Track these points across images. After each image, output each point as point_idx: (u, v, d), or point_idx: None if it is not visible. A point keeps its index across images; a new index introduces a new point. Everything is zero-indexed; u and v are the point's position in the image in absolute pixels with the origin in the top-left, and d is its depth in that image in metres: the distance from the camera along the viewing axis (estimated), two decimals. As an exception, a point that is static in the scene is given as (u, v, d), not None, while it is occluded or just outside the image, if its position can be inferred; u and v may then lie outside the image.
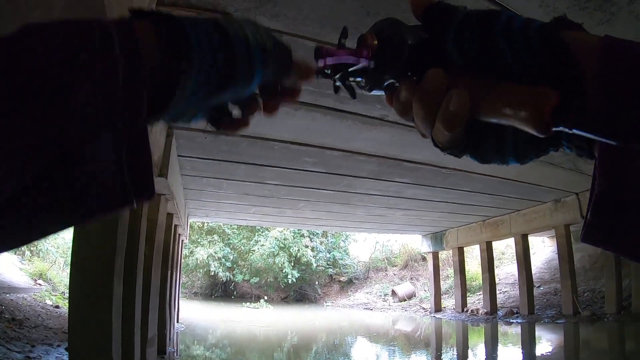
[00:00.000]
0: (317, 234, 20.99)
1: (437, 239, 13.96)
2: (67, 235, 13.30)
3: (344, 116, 3.70)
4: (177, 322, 10.40)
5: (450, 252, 14.62)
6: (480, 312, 11.93)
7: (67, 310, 8.05)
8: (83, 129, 0.36)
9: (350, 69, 0.48)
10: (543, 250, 16.41)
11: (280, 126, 3.93)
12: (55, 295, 9.50)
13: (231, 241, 20.10)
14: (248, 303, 17.77)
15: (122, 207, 0.41)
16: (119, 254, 3.37)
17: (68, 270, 11.55)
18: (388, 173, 6.24)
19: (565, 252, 9.69)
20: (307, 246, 19.93)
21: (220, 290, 20.69)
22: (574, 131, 0.38)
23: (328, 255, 21.19)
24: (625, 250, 0.41)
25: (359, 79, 0.49)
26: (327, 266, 21.11)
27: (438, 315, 13.27)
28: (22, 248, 11.91)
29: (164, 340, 6.75)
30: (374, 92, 0.49)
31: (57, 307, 8.49)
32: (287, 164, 5.56)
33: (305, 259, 19.53)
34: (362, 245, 22.49)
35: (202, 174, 6.53)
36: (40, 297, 8.79)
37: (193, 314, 13.33)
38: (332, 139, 4.31)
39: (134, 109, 0.38)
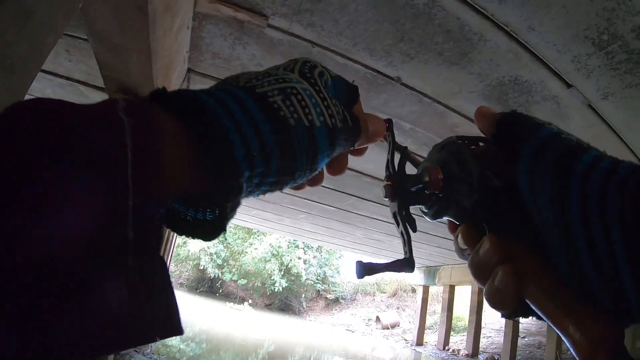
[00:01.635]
0: (312, 247, 20.89)
1: (430, 273, 13.84)
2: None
3: (361, 136, 3.69)
4: (158, 310, 10.37)
5: (442, 288, 14.50)
6: (461, 352, 11.77)
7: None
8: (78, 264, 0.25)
9: (413, 201, 0.47)
10: (535, 303, 16.23)
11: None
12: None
13: (226, 239, 20.02)
14: (232, 303, 17.73)
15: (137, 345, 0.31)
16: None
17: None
18: (394, 200, 6.20)
19: (556, 308, 9.56)
20: (299, 258, 19.84)
21: (207, 286, 20.60)
22: None
23: (319, 271, 21.06)
24: None
25: (420, 206, 0.48)
26: (316, 281, 20.97)
27: (419, 349, 13.10)
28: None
29: (142, 326, 6.73)
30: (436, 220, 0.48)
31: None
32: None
33: (295, 270, 19.42)
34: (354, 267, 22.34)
35: (211, 168, 6.54)
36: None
37: (175, 305, 13.27)
38: (345, 156, 4.30)
39: (147, 231, 0.28)
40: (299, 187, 0.45)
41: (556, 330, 0.34)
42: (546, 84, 2.57)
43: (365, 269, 0.47)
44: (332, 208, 7.36)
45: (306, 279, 20.22)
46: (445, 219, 0.47)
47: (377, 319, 17.65)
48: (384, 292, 20.89)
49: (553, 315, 0.34)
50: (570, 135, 0.37)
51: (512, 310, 0.37)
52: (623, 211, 0.30)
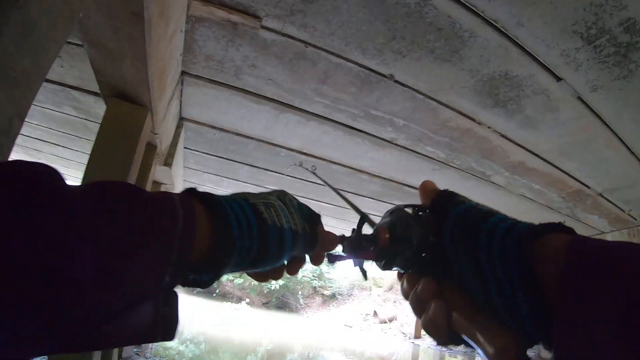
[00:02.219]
0: (307, 244, 20.90)
1: (426, 266, 13.92)
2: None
3: (355, 134, 3.71)
4: (157, 312, 10.33)
5: (438, 281, 14.58)
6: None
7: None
8: (134, 294, 0.41)
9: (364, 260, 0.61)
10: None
11: (291, 134, 3.95)
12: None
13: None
14: (229, 302, 17.70)
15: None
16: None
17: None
18: (389, 195, 6.24)
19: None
20: (295, 255, 19.83)
21: (203, 287, 20.47)
22: None
23: (314, 267, 21.07)
24: None
25: (372, 262, 0.61)
26: (313, 278, 21.01)
27: (417, 342, 13.20)
28: None
29: (141, 329, 6.71)
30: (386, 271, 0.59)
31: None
32: (290, 172, 5.58)
33: (291, 268, 19.42)
34: (350, 262, 22.32)
35: (205, 169, 6.53)
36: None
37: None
38: (340, 154, 4.32)
39: (175, 280, 0.44)
40: (263, 277, 0.60)
41: (474, 346, 0.44)
42: (536, 78, 2.61)
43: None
44: (327, 205, 7.39)
45: (302, 276, 20.27)
46: (394, 269, 0.58)
47: (375, 313, 17.73)
48: (380, 287, 20.97)
49: (472, 334, 0.44)
50: (484, 206, 0.50)
51: (444, 338, 0.47)
52: (520, 261, 0.40)
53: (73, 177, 7.07)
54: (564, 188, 4.49)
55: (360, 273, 0.65)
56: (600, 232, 8.25)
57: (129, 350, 5.52)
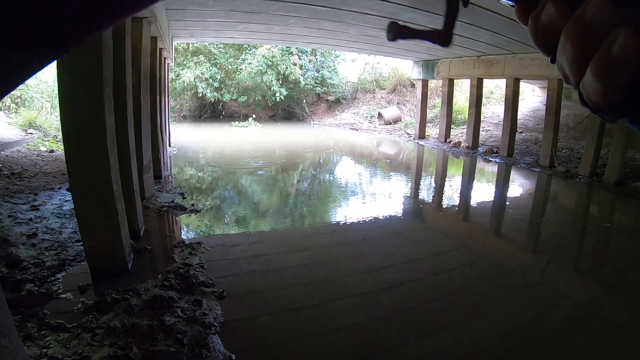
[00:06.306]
0: (306, 52, 20.33)
1: (429, 67, 13.69)
2: (49, 79, 12.87)
3: None
4: (169, 146, 10.69)
5: (440, 82, 14.49)
6: (462, 145, 12.42)
7: (61, 153, 8.30)
8: None
9: None
10: (531, 98, 16.38)
11: None
12: (48, 141, 9.69)
13: (218, 61, 19.41)
14: (237, 122, 18.05)
15: None
16: (106, 84, 3.30)
17: (56, 114, 11.62)
18: None
19: (553, 106, 9.78)
20: (295, 64, 19.42)
21: (209, 111, 20.72)
22: None
23: (316, 74, 20.87)
24: None
25: None
26: (315, 85, 20.94)
27: (421, 142, 13.77)
28: (7, 101, 11.68)
29: (158, 165, 7.01)
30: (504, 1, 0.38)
31: (51, 151, 8.76)
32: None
33: (293, 77, 19.22)
34: (351, 66, 22.01)
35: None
36: (34, 146, 8.97)
37: (183, 137, 13.66)
38: None
39: None
40: None
41: None
42: None
43: (398, 32, 0.43)
44: (322, 7, 7.00)
45: (305, 84, 20.14)
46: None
47: (379, 115, 18.13)
48: (383, 89, 21.02)
49: None
50: None
51: (620, 92, 0.28)
52: None
53: None
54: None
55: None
56: None
57: (150, 189, 5.87)
